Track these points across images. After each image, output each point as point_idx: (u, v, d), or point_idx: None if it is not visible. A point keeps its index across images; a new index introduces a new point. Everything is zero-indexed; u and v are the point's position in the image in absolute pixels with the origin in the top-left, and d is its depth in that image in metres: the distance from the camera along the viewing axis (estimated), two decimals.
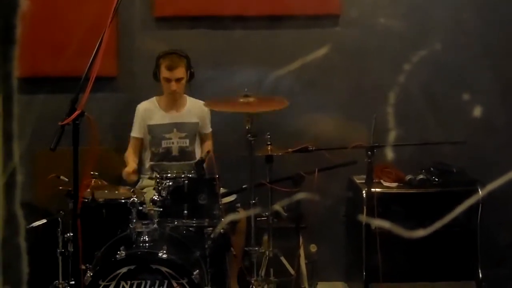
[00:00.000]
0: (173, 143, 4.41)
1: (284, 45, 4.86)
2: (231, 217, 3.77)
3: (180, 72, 4.29)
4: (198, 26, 4.84)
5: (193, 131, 4.47)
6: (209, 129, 4.57)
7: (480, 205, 4.34)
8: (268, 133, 4.01)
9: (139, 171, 4.40)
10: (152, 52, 4.45)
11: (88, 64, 2.98)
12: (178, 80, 4.30)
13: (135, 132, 4.46)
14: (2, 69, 1.09)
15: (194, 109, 4.49)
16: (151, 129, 4.42)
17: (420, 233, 3.67)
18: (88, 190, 3.71)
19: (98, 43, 2.99)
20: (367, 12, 4.83)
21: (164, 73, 4.29)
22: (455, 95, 4.80)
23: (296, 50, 4.80)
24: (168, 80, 4.29)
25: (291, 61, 4.73)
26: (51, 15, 4.63)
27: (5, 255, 1.09)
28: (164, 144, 4.40)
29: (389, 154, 4.19)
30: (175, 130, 4.42)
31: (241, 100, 3.76)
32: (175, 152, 4.41)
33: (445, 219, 3.63)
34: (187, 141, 4.42)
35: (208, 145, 4.55)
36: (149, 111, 4.45)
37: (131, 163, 4.28)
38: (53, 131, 2.95)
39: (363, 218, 4.09)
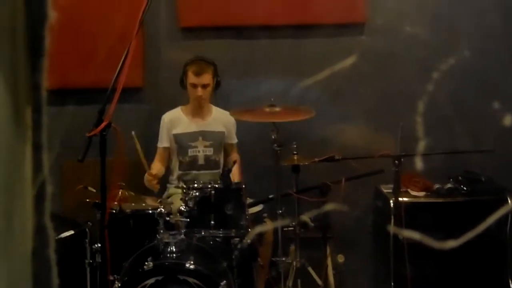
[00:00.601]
0: (199, 151, 4.41)
1: (310, 54, 4.85)
2: (258, 228, 3.76)
3: (207, 78, 4.30)
4: (224, 36, 4.86)
5: (218, 140, 4.46)
6: (234, 139, 4.56)
7: (510, 215, 4.28)
8: (294, 143, 4.00)
9: (167, 180, 4.41)
10: (178, 63, 4.46)
11: (115, 75, 3.00)
12: (204, 86, 4.30)
13: (162, 142, 4.46)
14: (32, 80, 1.10)
15: (219, 118, 4.49)
16: (177, 138, 4.42)
17: (450, 244, 3.62)
18: (116, 201, 3.72)
19: (125, 54, 3.01)
20: (392, 20, 4.81)
21: (191, 78, 4.30)
22: (483, 103, 4.75)
23: (322, 59, 4.78)
24: (195, 86, 4.30)
25: (317, 70, 4.72)
26: (79, 27, 4.67)
27: (36, 267, 1.09)
28: (190, 152, 4.40)
29: (417, 163, 4.16)
30: (200, 138, 4.42)
31: (267, 109, 3.76)
32: (201, 161, 4.40)
33: (474, 229, 3.58)
34: (212, 149, 4.42)
35: (234, 157, 4.53)
36: (174, 121, 4.45)
37: (153, 170, 4.29)
38: (81, 142, 2.97)
39: (390, 228, 4.06)
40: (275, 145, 3.72)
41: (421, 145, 4.33)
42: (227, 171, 3.77)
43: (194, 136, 4.43)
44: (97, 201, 3.47)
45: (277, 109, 3.76)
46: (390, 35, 4.82)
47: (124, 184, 3.78)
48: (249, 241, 3.64)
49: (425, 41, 4.77)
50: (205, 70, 4.29)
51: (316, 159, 3.90)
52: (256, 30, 4.80)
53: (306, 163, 3.95)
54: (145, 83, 4.85)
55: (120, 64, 3.02)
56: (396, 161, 3.72)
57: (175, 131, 4.43)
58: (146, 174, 4.04)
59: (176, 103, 4.54)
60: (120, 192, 3.76)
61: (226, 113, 4.41)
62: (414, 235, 3.80)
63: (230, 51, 4.85)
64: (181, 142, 4.42)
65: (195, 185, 3.71)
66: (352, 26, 4.86)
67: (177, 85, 4.41)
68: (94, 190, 3.69)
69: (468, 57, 4.70)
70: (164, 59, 4.85)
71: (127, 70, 3.00)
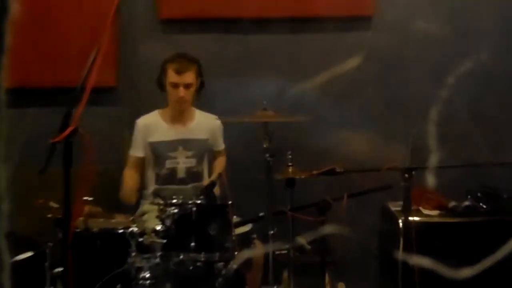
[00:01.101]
0: (178, 163, 4.39)
1: (309, 52, 4.86)
2: (246, 252, 3.74)
3: (190, 77, 4.28)
4: (210, 30, 4.86)
5: (201, 150, 4.44)
6: (221, 146, 4.56)
7: None
8: (289, 153, 3.97)
9: (140, 195, 4.39)
10: (157, 59, 4.45)
11: (84, 73, 2.98)
12: (186, 86, 4.28)
13: (135, 151, 4.44)
14: None
15: (203, 123, 4.47)
16: (153, 146, 4.40)
17: (467, 272, 3.60)
18: (81, 218, 3.69)
19: (96, 49, 2.99)
20: (403, 14, 4.82)
21: (172, 77, 4.27)
22: (505, 111, 4.77)
23: (323, 58, 4.79)
24: (176, 86, 4.27)
25: (317, 70, 4.73)
26: (44, 20, 4.66)
27: None
28: (168, 164, 4.38)
29: (430, 177, 4.14)
30: (181, 148, 4.40)
31: (259, 114, 3.75)
32: (181, 174, 4.38)
33: (494, 255, 3.56)
34: (194, 160, 4.40)
35: (221, 162, 4.52)
36: (150, 127, 4.43)
37: (129, 182, 4.25)
38: (43, 150, 2.94)
39: (399, 253, 4.04)
40: (267, 155, 3.71)
41: (435, 157, 4.31)
42: (210, 185, 3.75)
43: (173, 145, 4.40)
44: (59, 217, 3.44)
45: (270, 113, 3.75)
46: (400, 31, 4.83)
47: (91, 198, 3.74)
48: (235, 266, 3.61)
49: (440, 39, 4.79)
50: (188, 68, 4.27)
51: (315, 172, 3.88)
52: (247, 24, 4.80)
53: (303, 177, 3.93)
54: (119, 82, 4.84)
55: (90, 61, 2.99)
56: (406, 175, 3.71)
57: (151, 139, 4.41)
58: (121, 189, 4.04)
59: (154, 105, 4.52)
60: (86, 208, 3.72)
61: (211, 117, 4.39)
62: (426, 262, 3.78)
63: (217, 47, 4.85)
64: (158, 152, 4.39)
65: (174, 201, 3.68)
66: (358, 20, 4.87)
67: (155, 85, 4.39)
68: (57, 206, 3.65)
69: (488, 59, 4.70)
70: (141, 55, 4.84)
71: (98, 68, 2.97)
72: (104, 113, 4.77)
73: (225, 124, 4.47)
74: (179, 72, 4.26)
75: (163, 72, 4.33)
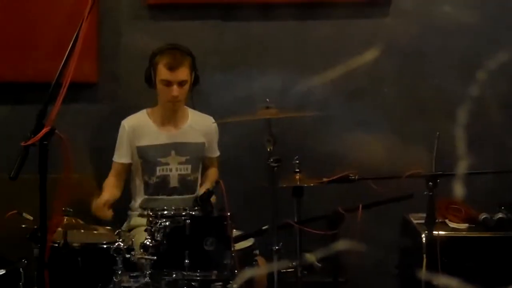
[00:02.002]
0: (171, 169, 4.41)
1: (318, 42, 4.87)
2: (248, 270, 3.75)
3: (184, 73, 4.29)
4: (205, 16, 4.88)
5: (196, 154, 4.46)
6: (216, 153, 4.56)
7: None
8: (296, 157, 3.99)
9: (127, 207, 4.41)
10: (143, 51, 4.46)
11: (60, 67, 2.99)
12: (180, 83, 4.28)
13: (120, 156, 4.44)
14: None
15: (198, 125, 4.49)
16: (142, 151, 4.41)
17: None
18: (60, 230, 3.70)
19: (73, 40, 3.00)
20: None
21: (163, 73, 4.28)
22: None
23: (334, 49, 4.80)
24: (168, 84, 4.28)
25: (327, 63, 4.74)
26: (16, 8, 4.68)
27: None
28: (159, 171, 4.40)
29: (457, 185, 4.16)
30: (173, 152, 4.41)
31: (260, 113, 3.76)
32: (173, 182, 4.40)
33: None
34: (189, 167, 4.42)
35: (213, 172, 4.53)
36: (138, 129, 4.42)
37: (105, 194, 4.26)
38: (15, 154, 2.95)
39: (422, 272, 4.05)
40: (271, 159, 3.71)
41: (463, 163, 4.33)
42: (207, 194, 3.76)
43: (165, 149, 4.41)
44: (34, 230, 3.45)
45: (273, 111, 3.76)
46: (423, 18, 4.84)
47: (70, 210, 3.76)
48: (235, 286, 3.63)
49: (469, 28, 4.81)
50: (182, 63, 4.27)
51: (325, 179, 3.90)
52: (249, 9, 4.81)
53: (312, 184, 3.94)
54: (100, 77, 4.86)
55: (67, 53, 3.01)
56: (430, 183, 3.72)
57: (139, 143, 4.41)
58: (94, 201, 4.04)
59: (140, 103, 4.53)
60: (65, 220, 3.74)
61: (207, 117, 4.41)
62: (453, 282, 3.80)
63: (213, 37, 4.87)
64: (147, 157, 4.40)
65: (165, 212, 3.69)
66: (373, 6, 4.89)
67: (141, 80, 4.39)
68: (31, 218, 3.67)
69: None
70: (125, 45, 4.87)
71: (76, 60, 2.99)
72: (83, 111, 4.78)
73: (223, 125, 4.47)
74: (172, 68, 4.26)
75: (152, 67, 4.33)
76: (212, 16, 4.86)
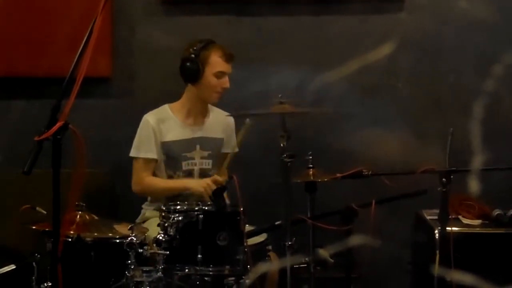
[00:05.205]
0: (195, 164, 4.42)
1: (334, 38, 4.87)
2: (260, 265, 3.76)
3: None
4: (220, 12, 4.88)
5: (217, 150, 4.47)
6: (236, 147, 4.49)
7: None
8: (310, 153, 4.00)
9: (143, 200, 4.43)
10: (157, 46, 4.48)
11: (74, 62, 3.01)
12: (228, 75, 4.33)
13: (147, 152, 4.37)
14: None
15: (218, 120, 4.50)
16: (167, 147, 4.38)
17: None
18: (73, 226, 3.72)
19: (87, 35, 3.02)
20: None
21: (220, 65, 4.27)
22: None
23: (349, 45, 4.80)
24: (222, 75, 4.30)
25: (342, 59, 4.73)
26: (32, 5, 4.72)
27: None
28: (185, 166, 4.40)
29: (472, 181, 4.16)
30: (198, 147, 4.42)
31: (275, 108, 3.77)
32: (196, 176, 4.40)
33: None
34: (210, 162, 4.43)
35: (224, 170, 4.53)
36: (163, 124, 4.39)
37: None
38: (29, 149, 2.98)
39: (435, 268, 4.05)
40: (285, 155, 3.71)
41: (477, 159, 4.33)
42: (220, 189, 3.78)
43: (190, 144, 4.40)
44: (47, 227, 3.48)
45: (287, 107, 3.76)
46: (438, 13, 4.83)
47: (84, 204, 3.78)
48: (248, 281, 3.64)
49: (485, 23, 4.78)
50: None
51: (338, 175, 3.90)
52: (264, 5, 4.82)
53: (325, 180, 3.95)
54: (114, 72, 4.88)
55: (81, 48, 3.02)
56: (444, 179, 3.71)
57: (164, 138, 4.39)
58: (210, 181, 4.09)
59: (154, 98, 4.54)
60: (78, 215, 3.76)
61: (225, 113, 4.41)
62: (466, 278, 3.80)
63: (228, 32, 4.86)
64: (173, 153, 4.38)
65: (178, 207, 3.71)
66: (389, 1, 4.88)
67: (155, 75, 4.40)
68: (45, 212, 3.69)
69: None
70: (139, 41, 4.88)
71: (90, 55, 3.00)
72: (97, 106, 4.80)
73: (237, 121, 4.47)
74: (228, 60, 4.29)
75: (200, 61, 4.27)
76: (227, 11, 4.87)
